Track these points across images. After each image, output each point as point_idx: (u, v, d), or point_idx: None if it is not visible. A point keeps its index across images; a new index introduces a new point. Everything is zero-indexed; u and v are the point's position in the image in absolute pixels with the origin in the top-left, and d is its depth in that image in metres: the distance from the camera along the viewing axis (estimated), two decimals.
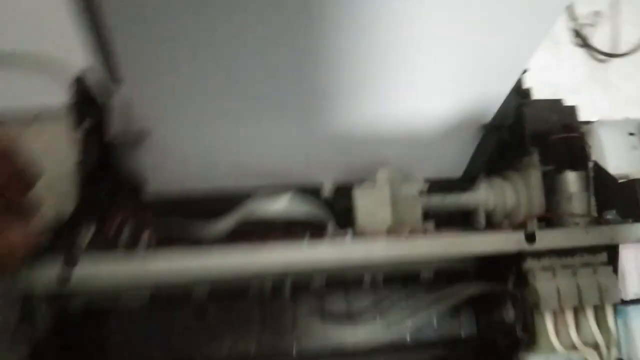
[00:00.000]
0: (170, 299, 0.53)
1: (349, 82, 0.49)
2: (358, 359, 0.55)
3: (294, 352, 0.55)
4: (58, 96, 0.59)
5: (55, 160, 0.60)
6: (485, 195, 0.56)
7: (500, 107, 0.52)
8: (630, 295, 0.55)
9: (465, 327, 0.59)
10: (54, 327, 0.50)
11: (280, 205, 0.49)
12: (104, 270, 0.43)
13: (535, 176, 0.53)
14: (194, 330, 0.54)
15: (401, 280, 0.57)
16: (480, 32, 0.46)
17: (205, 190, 0.55)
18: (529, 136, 0.54)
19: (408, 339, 0.57)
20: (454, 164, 0.59)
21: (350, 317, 0.57)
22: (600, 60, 0.73)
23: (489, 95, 0.51)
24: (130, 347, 0.54)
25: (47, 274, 0.42)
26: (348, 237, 0.47)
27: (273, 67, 0.45)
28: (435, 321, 0.58)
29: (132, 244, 0.45)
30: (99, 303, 0.52)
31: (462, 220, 0.59)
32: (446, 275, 0.57)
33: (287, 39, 0.43)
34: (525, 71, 0.53)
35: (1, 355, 0.42)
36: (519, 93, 0.54)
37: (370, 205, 0.50)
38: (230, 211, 0.52)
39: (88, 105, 0.57)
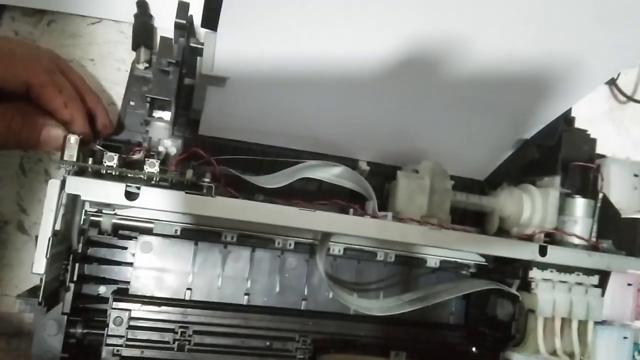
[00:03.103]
0: (199, 235, 0.56)
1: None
2: (355, 324, 0.60)
3: (302, 306, 0.59)
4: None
5: (111, 67, 0.60)
6: (504, 202, 0.60)
7: (544, 128, 0.56)
8: (601, 316, 0.62)
9: (455, 314, 0.64)
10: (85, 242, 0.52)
11: (334, 172, 0.52)
12: (164, 206, 0.45)
13: (553, 196, 0.58)
14: (217, 268, 0.57)
15: (408, 262, 0.62)
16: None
17: (249, 144, 0.57)
18: (560, 160, 0.58)
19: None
20: (480, 168, 0.64)
21: (356, 287, 0.61)
22: (621, 102, 0.78)
23: (539, 117, 0.55)
24: (149, 272, 0.56)
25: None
26: (389, 217, 0.50)
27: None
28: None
29: (195, 185, 0.46)
30: (130, 227, 0.54)
31: (473, 219, 0.64)
32: (449, 265, 0.63)
33: None
34: None
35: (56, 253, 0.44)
36: (566, 120, 0.58)
37: (410, 190, 0.54)
38: (276, 169, 0.54)
39: (145, 32, 0.58)
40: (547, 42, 0.48)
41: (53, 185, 0.43)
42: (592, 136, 0.65)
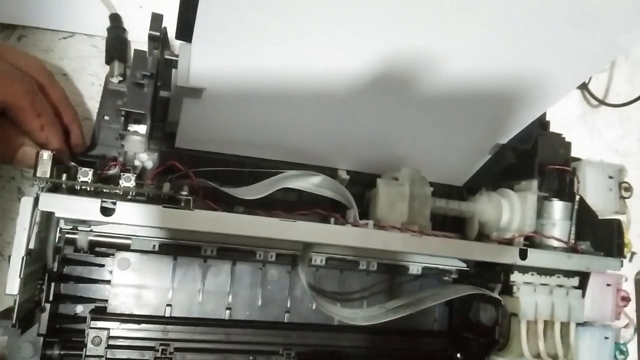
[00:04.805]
0: (178, 249, 0.55)
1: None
2: (339, 335, 0.59)
3: (285, 319, 0.59)
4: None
5: (84, 81, 0.59)
6: (483, 207, 0.60)
7: (520, 133, 0.57)
8: (582, 317, 0.63)
9: (439, 321, 0.64)
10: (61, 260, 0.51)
11: (314, 182, 0.52)
12: (141, 221, 0.44)
13: (531, 200, 0.59)
14: (197, 283, 0.56)
15: (391, 270, 0.62)
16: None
17: (226, 156, 0.57)
18: (537, 164, 0.59)
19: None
20: (458, 174, 0.64)
21: (339, 297, 0.60)
22: (593, 106, 0.80)
23: (514, 122, 0.56)
24: (127, 290, 0.54)
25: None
26: (370, 225, 0.50)
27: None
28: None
29: (172, 199, 0.45)
30: (106, 243, 0.53)
31: (453, 225, 0.64)
32: (431, 272, 0.63)
33: None
34: None
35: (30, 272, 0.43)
36: (541, 124, 0.59)
37: (390, 198, 0.54)
38: (255, 180, 0.54)
39: (118, 45, 0.57)
40: (519, 51, 0.48)
41: (26, 202, 0.42)
42: (566, 140, 0.66)
